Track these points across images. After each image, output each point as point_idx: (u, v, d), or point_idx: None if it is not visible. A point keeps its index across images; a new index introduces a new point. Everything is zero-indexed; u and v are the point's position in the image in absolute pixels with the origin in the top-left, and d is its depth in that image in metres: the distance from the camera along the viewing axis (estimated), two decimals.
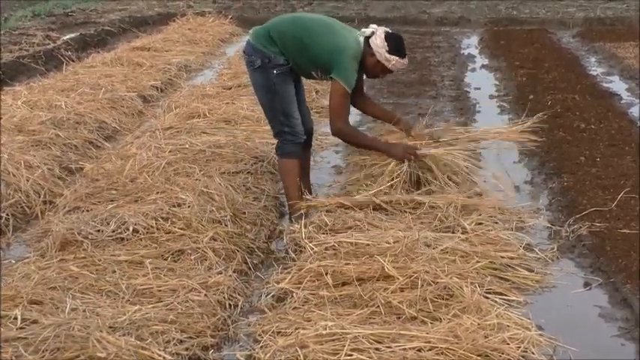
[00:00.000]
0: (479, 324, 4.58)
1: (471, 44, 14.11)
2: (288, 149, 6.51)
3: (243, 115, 8.77)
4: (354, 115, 7.46)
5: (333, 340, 4.46)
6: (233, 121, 8.69)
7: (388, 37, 6.32)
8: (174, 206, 6.13)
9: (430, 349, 4.39)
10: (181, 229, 5.87)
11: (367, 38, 6.34)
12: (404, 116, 7.33)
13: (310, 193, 6.69)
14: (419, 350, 4.39)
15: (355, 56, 6.28)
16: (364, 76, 6.75)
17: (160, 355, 4.38)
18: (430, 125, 7.17)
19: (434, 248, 5.44)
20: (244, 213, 6.34)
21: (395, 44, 6.32)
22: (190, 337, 4.65)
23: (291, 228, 5.99)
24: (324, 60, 6.29)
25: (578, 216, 6.31)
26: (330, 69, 6.29)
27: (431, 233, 5.73)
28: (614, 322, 5.02)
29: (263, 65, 6.40)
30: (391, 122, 6.99)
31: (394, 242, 5.42)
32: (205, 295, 5.03)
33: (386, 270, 5.11)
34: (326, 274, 5.15)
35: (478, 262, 5.39)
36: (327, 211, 6.13)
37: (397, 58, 6.31)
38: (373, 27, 6.41)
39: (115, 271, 5.28)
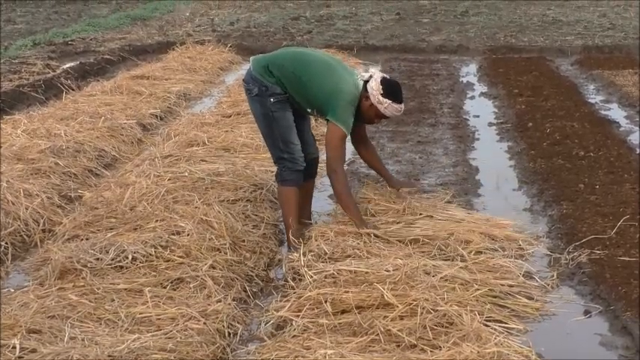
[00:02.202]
0: (479, 352, 4.57)
1: (469, 72, 14.14)
2: (286, 177, 6.50)
3: (242, 143, 8.78)
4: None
5: None
6: (232, 149, 8.69)
7: (384, 81, 6.30)
8: (173, 234, 6.13)
9: None
10: (180, 257, 5.87)
11: (366, 82, 6.31)
12: (398, 178, 7.11)
13: (309, 218, 6.71)
14: None
15: (352, 100, 6.27)
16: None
17: None
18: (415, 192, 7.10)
19: (433, 276, 5.44)
20: (243, 241, 6.34)
21: (390, 88, 6.29)
22: None
23: (290, 256, 5.98)
24: (320, 101, 6.30)
25: (577, 243, 6.30)
26: (326, 111, 6.29)
27: (430, 261, 5.72)
28: (615, 350, 5.01)
29: (260, 93, 6.41)
30: (383, 177, 6.99)
31: (394, 270, 5.42)
32: (204, 323, 5.02)
33: (385, 298, 5.10)
34: (325, 302, 5.14)
35: (478, 289, 5.39)
36: (326, 239, 6.12)
37: (390, 101, 6.26)
38: (372, 71, 6.39)
39: (114, 300, 5.28)
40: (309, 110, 6.43)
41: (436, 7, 22.18)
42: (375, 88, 6.25)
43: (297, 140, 6.49)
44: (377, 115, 6.39)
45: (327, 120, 6.30)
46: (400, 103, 6.34)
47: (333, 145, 6.29)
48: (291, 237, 6.31)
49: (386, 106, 6.27)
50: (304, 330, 4.97)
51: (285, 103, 6.41)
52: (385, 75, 6.40)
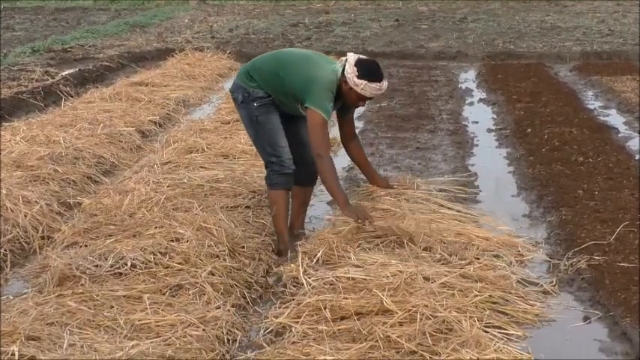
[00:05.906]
0: (478, 358, 4.58)
1: (468, 78, 14.14)
2: (274, 180, 6.54)
3: (241, 150, 8.77)
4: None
5: None
6: (231, 155, 8.69)
7: (358, 62, 6.26)
8: (172, 241, 6.12)
9: None
10: (180, 263, 5.87)
11: (344, 68, 6.31)
12: (381, 176, 7.26)
13: (302, 227, 6.71)
14: None
15: (329, 87, 6.26)
16: (353, 114, 6.80)
17: None
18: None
19: (432, 282, 5.44)
20: (243, 247, 6.33)
21: (364, 69, 6.24)
22: None
23: (285, 265, 5.96)
24: (297, 90, 6.31)
25: (576, 249, 6.30)
26: (304, 100, 6.29)
27: (429, 267, 5.72)
28: (614, 356, 5.01)
29: (244, 100, 6.51)
30: (366, 175, 7.10)
31: (392, 276, 5.41)
32: (203, 330, 5.02)
33: (384, 304, 5.10)
34: (324, 308, 5.14)
35: (477, 296, 5.39)
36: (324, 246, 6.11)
37: (366, 81, 6.20)
38: (348, 55, 6.38)
39: (113, 307, 5.27)
40: (297, 106, 6.40)
41: (435, 13, 22.19)
42: (349, 71, 6.23)
43: (285, 142, 6.51)
44: (358, 98, 6.34)
45: (306, 107, 6.28)
46: (378, 81, 6.26)
47: (313, 131, 6.27)
48: (282, 243, 6.34)
49: (362, 87, 6.22)
50: (303, 336, 4.97)
51: (270, 107, 6.48)
52: (361, 56, 6.38)
